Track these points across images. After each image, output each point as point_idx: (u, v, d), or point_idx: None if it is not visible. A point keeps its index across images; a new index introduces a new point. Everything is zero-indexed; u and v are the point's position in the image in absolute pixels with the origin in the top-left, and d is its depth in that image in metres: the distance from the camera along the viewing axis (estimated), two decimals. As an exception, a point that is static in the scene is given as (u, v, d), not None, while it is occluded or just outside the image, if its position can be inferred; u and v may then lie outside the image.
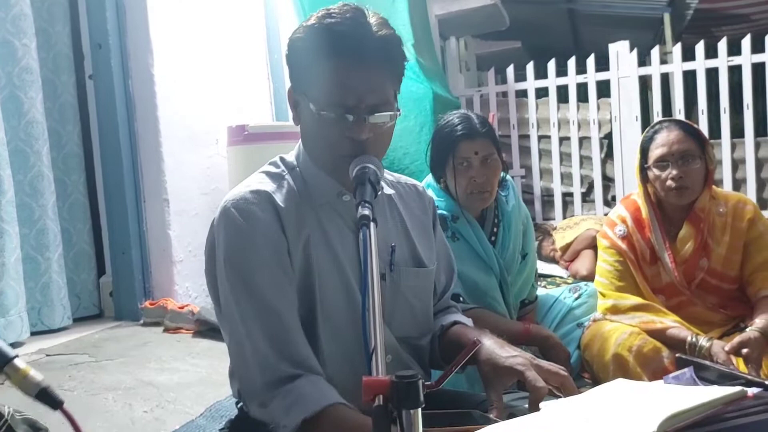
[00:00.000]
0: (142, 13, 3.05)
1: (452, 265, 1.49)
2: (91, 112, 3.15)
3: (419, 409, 0.74)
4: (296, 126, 1.27)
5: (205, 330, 2.80)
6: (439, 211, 2.01)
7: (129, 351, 2.59)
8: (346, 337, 1.21)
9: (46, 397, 0.86)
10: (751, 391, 1.01)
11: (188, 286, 3.16)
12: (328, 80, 1.15)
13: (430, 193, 1.81)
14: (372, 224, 0.96)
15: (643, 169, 2.17)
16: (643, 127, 4.61)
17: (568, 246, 3.97)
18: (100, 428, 1.90)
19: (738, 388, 0.99)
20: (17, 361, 0.86)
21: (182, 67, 3.24)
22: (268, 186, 1.22)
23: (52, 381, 0.88)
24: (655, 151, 2.11)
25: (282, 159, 1.30)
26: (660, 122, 2.20)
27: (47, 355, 2.55)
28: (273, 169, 1.28)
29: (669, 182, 2.08)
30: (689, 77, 4.64)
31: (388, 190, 1.35)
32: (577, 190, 4.88)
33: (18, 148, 2.77)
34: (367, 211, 0.98)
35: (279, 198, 1.20)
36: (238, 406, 1.27)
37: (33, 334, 2.76)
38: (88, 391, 2.14)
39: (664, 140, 2.11)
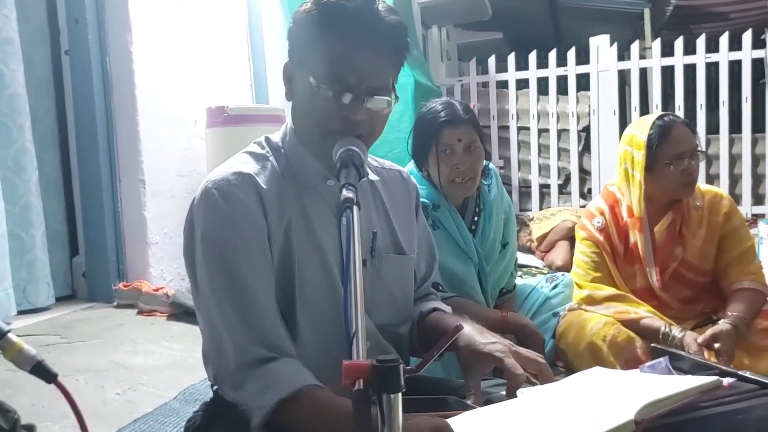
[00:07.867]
0: (122, -12, 3.00)
1: (434, 253, 1.48)
2: (66, 88, 3.09)
3: (399, 394, 0.72)
4: (287, 102, 1.24)
5: (180, 313, 2.78)
6: (420, 199, 2.00)
7: (102, 333, 2.57)
8: (324, 322, 1.20)
9: (41, 370, 0.87)
10: (726, 380, 1.03)
11: (163, 269, 3.13)
12: (331, 55, 1.13)
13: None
14: (355, 207, 0.95)
15: (648, 166, 2.10)
16: (621, 121, 4.67)
17: (544, 236, 4.00)
18: (70, 410, 1.88)
19: (714, 378, 1.01)
20: (11, 336, 0.86)
21: (162, 46, 3.19)
22: (251, 167, 1.20)
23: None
24: (675, 147, 2.07)
25: (267, 139, 1.28)
26: (664, 116, 2.14)
27: (18, 336, 2.50)
28: (257, 150, 1.26)
29: (687, 177, 2.07)
30: (667, 73, 4.69)
31: (372, 176, 1.33)
32: (554, 181, 4.93)
33: (1, 122, 2.70)
34: (350, 194, 0.96)
35: (262, 180, 1.18)
36: (214, 389, 1.25)
37: (19, 313, 2.70)
38: (60, 372, 2.08)
39: (681, 135, 2.08)
